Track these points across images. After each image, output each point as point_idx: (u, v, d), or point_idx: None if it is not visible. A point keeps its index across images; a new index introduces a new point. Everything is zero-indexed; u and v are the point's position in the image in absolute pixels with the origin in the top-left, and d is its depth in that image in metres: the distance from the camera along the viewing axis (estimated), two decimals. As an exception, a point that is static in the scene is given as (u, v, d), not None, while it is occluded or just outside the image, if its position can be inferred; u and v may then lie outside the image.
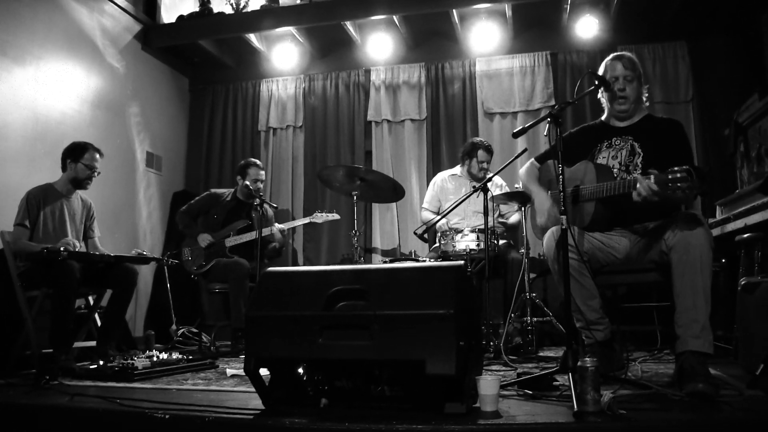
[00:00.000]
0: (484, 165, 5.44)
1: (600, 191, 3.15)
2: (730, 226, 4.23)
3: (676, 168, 2.72)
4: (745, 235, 3.93)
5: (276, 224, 5.63)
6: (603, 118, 3.54)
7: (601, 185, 3.15)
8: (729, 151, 5.38)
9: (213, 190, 5.89)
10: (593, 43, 6.33)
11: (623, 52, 3.46)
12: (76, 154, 4.62)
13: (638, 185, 2.91)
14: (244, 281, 5.13)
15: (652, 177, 2.83)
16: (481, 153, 5.44)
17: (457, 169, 5.66)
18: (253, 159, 5.87)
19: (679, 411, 2.32)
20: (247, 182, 5.55)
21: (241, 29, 6.75)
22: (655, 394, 2.62)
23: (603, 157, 3.38)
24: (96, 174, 4.70)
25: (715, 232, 4.34)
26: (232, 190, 5.79)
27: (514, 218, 5.47)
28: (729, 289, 4.13)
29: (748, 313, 3.23)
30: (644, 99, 3.44)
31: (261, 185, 5.65)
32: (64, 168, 4.65)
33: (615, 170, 3.29)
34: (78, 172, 4.63)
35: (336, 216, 5.75)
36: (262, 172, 5.74)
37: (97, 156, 4.69)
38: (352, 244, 5.20)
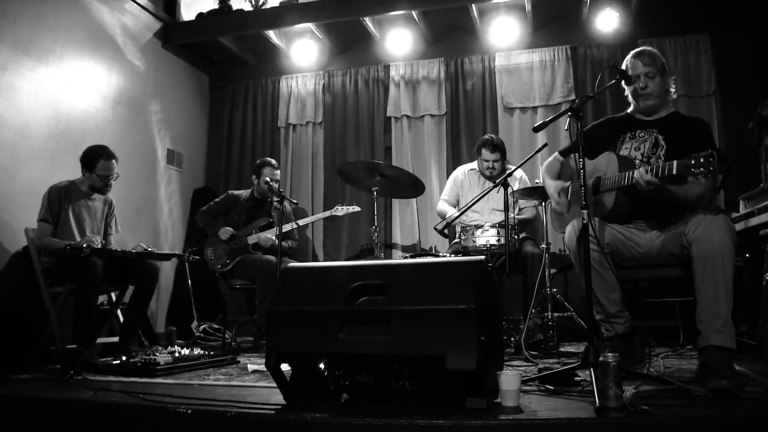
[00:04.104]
0: (489, 164, 5.35)
1: (621, 180, 3.14)
2: (754, 221, 4.18)
3: (698, 153, 2.72)
4: (770, 229, 3.89)
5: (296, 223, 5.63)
6: (629, 110, 3.53)
7: (622, 174, 3.13)
8: (753, 144, 5.31)
9: (231, 192, 5.92)
10: (614, 36, 6.27)
11: (643, 48, 3.44)
12: (89, 164, 4.63)
13: (635, 173, 2.92)
14: (272, 279, 5.09)
15: (674, 163, 2.82)
16: (485, 152, 5.36)
17: (476, 164, 5.64)
18: (268, 158, 5.87)
19: (702, 407, 2.29)
20: (267, 178, 5.56)
21: (261, 26, 6.76)
22: (677, 389, 2.60)
23: (626, 148, 3.38)
24: (113, 179, 4.71)
25: (739, 226, 4.29)
26: (249, 190, 5.82)
27: (527, 213, 5.42)
28: (753, 283, 4.08)
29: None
30: (672, 92, 3.42)
31: (276, 184, 5.63)
32: (83, 172, 4.70)
33: (637, 162, 3.27)
34: (94, 181, 4.66)
35: (357, 208, 5.74)
36: (277, 171, 5.73)
37: (112, 163, 4.68)
38: (372, 240, 5.20)
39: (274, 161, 5.79)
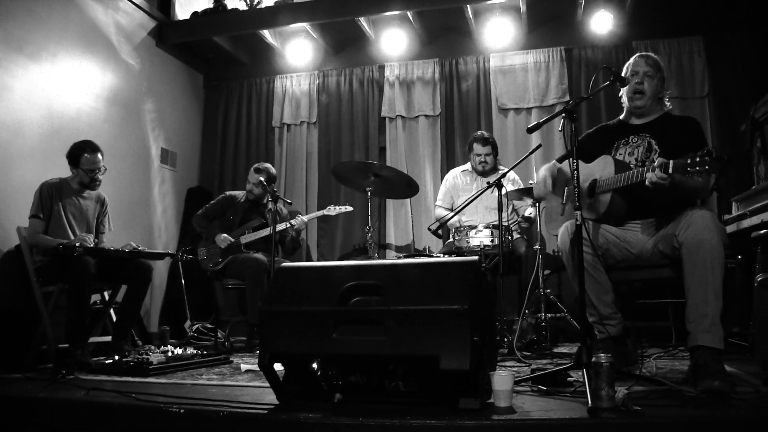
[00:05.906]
0: (482, 158, 5.44)
1: (617, 181, 3.16)
2: (746, 223, 4.20)
3: (694, 152, 2.73)
4: (762, 231, 3.88)
5: (299, 215, 5.62)
6: (621, 117, 3.55)
7: (618, 176, 3.15)
8: (745, 146, 5.33)
9: (228, 193, 5.90)
10: (608, 38, 6.29)
11: (650, 53, 3.48)
12: (74, 159, 4.60)
13: (647, 172, 2.93)
14: (261, 277, 5.13)
15: (670, 163, 2.83)
16: (476, 146, 5.47)
17: (468, 165, 5.67)
18: (257, 164, 5.85)
19: (694, 407, 2.30)
20: (263, 180, 5.57)
21: (255, 25, 6.76)
22: (669, 390, 2.61)
23: (620, 154, 3.40)
24: (100, 173, 4.67)
25: (731, 228, 4.30)
26: (245, 191, 5.82)
27: (528, 211, 5.44)
28: (745, 285, 4.09)
29: (764, 310, 3.20)
30: (666, 102, 3.45)
31: (259, 187, 5.61)
32: (71, 169, 4.67)
33: (632, 166, 3.29)
34: (81, 176, 4.62)
35: (349, 208, 5.74)
36: (256, 175, 5.62)
37: (97, 156, 4.62)
38: (366, 240, 5.20)
39: (257, 165, 5.74)
